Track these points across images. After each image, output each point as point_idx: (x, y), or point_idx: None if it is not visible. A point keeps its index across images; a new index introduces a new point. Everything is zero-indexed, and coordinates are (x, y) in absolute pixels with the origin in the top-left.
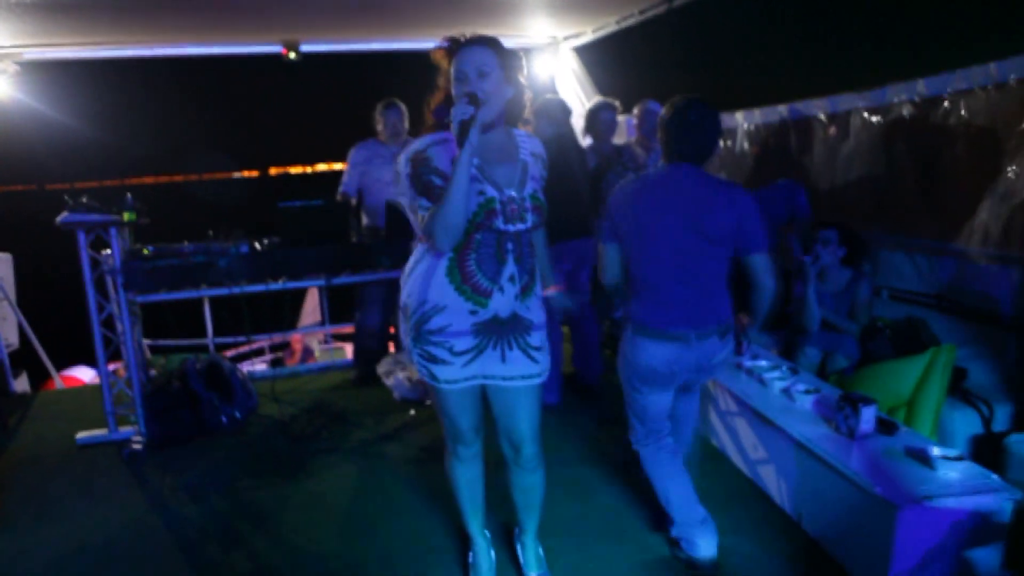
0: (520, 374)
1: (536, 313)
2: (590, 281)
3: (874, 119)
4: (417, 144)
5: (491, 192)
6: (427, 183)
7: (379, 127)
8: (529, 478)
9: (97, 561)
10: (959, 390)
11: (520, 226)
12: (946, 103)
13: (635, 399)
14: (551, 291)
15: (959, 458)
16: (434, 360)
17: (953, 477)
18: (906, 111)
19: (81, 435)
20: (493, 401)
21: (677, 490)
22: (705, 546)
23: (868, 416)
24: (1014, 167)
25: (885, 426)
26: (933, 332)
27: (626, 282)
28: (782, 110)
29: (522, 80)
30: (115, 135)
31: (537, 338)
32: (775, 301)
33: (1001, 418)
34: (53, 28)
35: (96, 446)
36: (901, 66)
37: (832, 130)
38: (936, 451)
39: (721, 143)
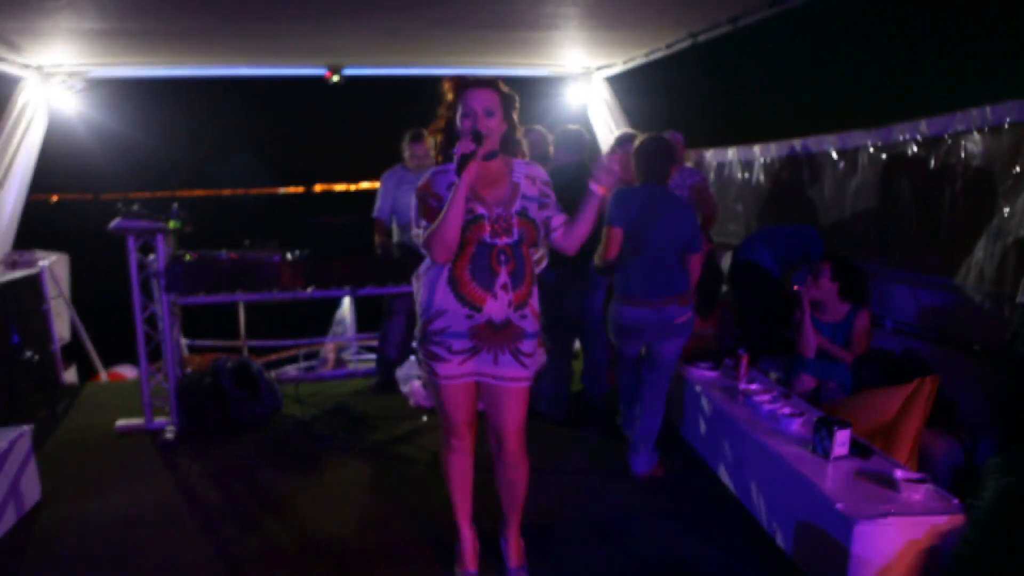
0: (510, 376)
1: (529, 323)
2: (603, 304)
3: (881, 156)
4: (423, 178)
5: (480, 211)
6: (427, 206)
7: (406, 155)
8: (512, 473)
9: (128, 533)
10: (945, 422)
11: (507, 240)
12: (947, 143)
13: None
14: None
15: (922, 480)
16: (435, 358)
17: (914, 498)
18: (910, 150)
19: (120, 423)
20: (484, 398)
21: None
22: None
23: (842, 439)
24: (1008, 207)
25: (860, 449)
26: (927, 364)
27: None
28: (796, 144)
29: (515, 118)
30: (169, 149)
31: (528, 345)
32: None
33: (983, 451)
34: (118, 49)
35: (133, 434)
36: (909, 104)
37: (842, 166)
38: (900, 473)
39: (739, 175)
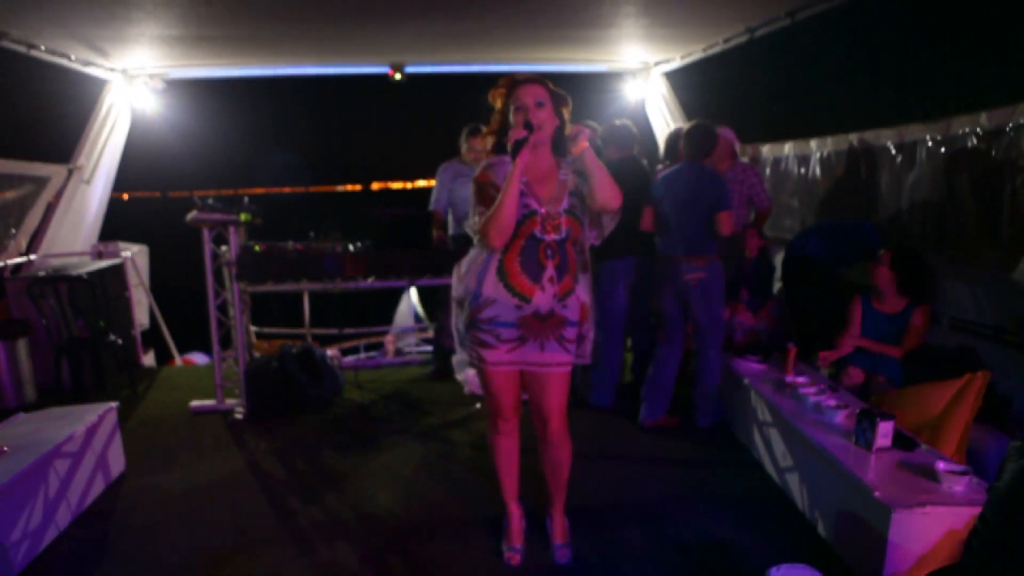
0: (555, 362)
1: (572, 311)
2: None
3: (940, 150)
4: (479, 169)
5: (534, 206)
6: (485, 194)
7: (463, 148)
8: (556, 452)
9: (201, 501)
10: (998, 418)
11: (555, 236)
12: (1008, 135)
13: None
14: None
15: (964, 473)
16: (484, 345)
17: (955, 489)
18: (970, 143)
19: (194, 403)
20: (529, 385)
21: (653, 376)
22: (644, 414)
23: (885, 430)
24: None
25: (904, 442)
26: (982, 361)
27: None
28: (853, 139)
29: (566, 115)
30: (234, 147)
31: (571, 332)
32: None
33: None
34: (195, 53)
35: (206, 413)
36: (969, 98)
37: (899, 160)
38: (942, 465)
39: (796, 170)
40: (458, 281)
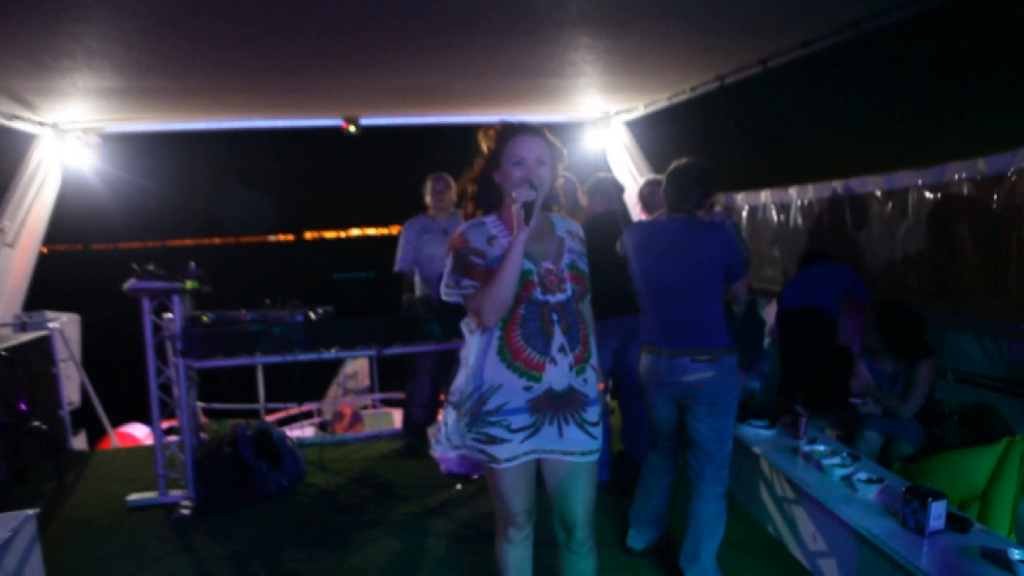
0: (579, 449)
1: (592, 387)
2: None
3: (934, 197)
4: (456, 234)
5: (528, 266)
6: (468, 263)
7: (428, 199)
8: (581, 564)
9: None
10: None
11: (560, 296)
12: (1011, 181)
13: None
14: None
15: None
16: (492, 441)
17: None
18: (966, 189)
19: (132, 497)
20: (549, 478)
21: (642, 495)
22: (632, 538)
23: (938, 511)
24: None
25: (958, 522)
26: (1004, 418)
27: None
28: (836, 186)
29: (560, 169)
30: (166, 199)
31: (593, 413)
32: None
33: None
34: (135, 106)
35: (146, 508)
36: (958, 144)
37: (889, 207)
38: (1017, 554)
39: (775, 218)
40: (465, 380)
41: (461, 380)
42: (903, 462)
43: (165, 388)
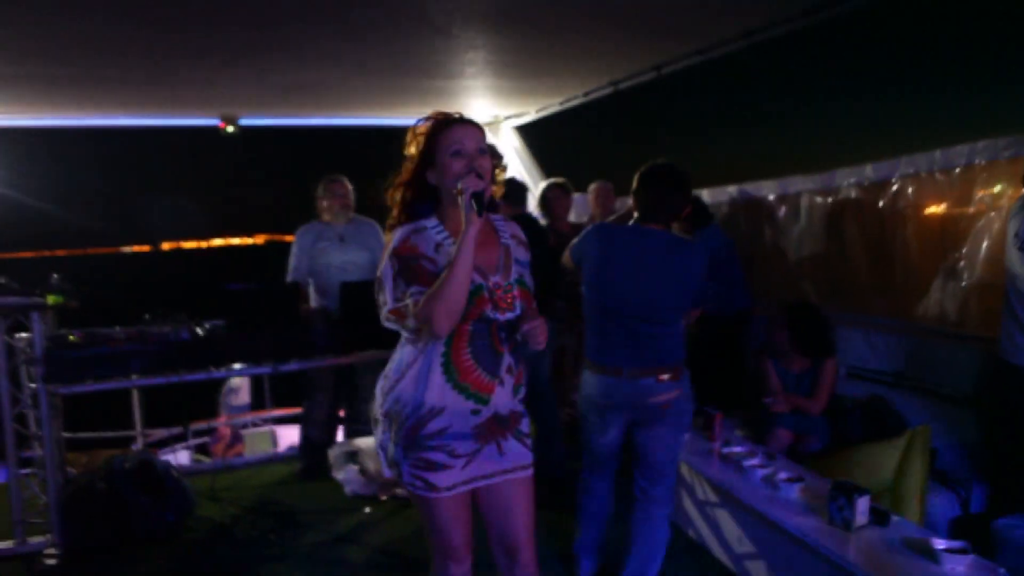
0: (519, 464)
1: (521, 400)
2: (550, 366)
3: (825, 201)
4: (396, 240)
5: (477, 280)
6: (417, 269)
7: (323, 203)
8: None
9: None
10: (934, 472)
11: (510, 315)
12: (894, 186)
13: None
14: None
15: (964, 551)
16: (432, 467)
17: (958, 571)
18: (855, 193)
19: None
20: (485, 504)
21: (585, 524)
22: (584, 568)
23: (863, 507)
24: (966, 249)
25: (878, 516)
26: (899, 412)
27: None
28: (732, 191)
29: (496, 171)
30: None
31: (526, 424)
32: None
33: (978, 499)
34: None
35: (2, 561)
36: (849, 151)
37: (783, 212)
38: (940, 544)
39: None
40: (384, 395)
41: (390, 400)
42: (813, 458)
43: (21, 420)
